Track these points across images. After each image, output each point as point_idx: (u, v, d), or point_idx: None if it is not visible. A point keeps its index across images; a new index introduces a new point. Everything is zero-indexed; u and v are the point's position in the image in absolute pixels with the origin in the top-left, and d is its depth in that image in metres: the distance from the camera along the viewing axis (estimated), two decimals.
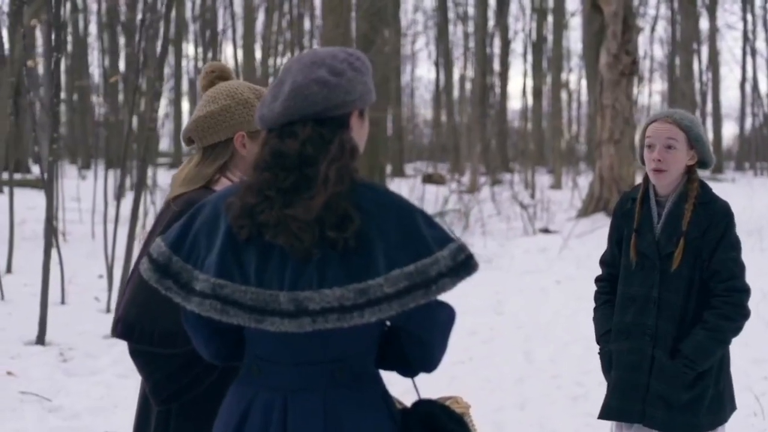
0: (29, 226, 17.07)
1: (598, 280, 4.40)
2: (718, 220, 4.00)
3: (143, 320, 2.98)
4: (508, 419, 6.90)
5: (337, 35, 15.74)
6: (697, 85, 48.01)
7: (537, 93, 44.59)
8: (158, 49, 8.44)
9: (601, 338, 4.26)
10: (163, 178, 29.17)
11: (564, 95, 44.22)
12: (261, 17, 37.46)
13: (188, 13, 43.64)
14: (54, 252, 9.59)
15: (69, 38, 37.19)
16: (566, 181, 33.87)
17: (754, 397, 6.96)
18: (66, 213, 19.26)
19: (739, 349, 5.22)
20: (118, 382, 7.45)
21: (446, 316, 2.52)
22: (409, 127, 54.42)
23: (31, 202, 19.66)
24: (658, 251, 4.04)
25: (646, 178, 4.17)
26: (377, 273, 2.35)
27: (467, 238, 17.74)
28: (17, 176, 24.71)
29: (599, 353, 4.28)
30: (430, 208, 19.60)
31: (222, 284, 2.40)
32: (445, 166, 42.40)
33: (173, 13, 39.80)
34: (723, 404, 4.06)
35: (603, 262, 4.38)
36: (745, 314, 3.97)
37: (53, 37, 8.83)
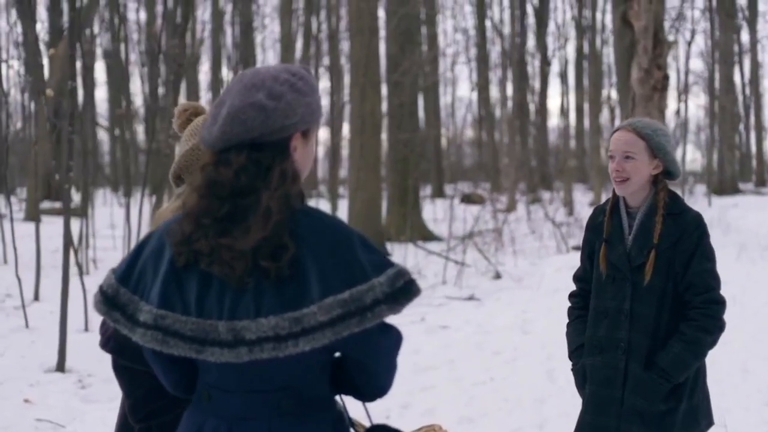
0: (62, 255, 17.16)
1: (571, 296, 4.35)
2: (690, 231, 3.93)
3: None
4: None
5: (362, 56, 15.74)
6: (740, 98, 47.57)
7: (578, 110, 44.40)
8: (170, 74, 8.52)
9: (573, 354, 4.21)
10: None
11: (606, 111, 43.92)
12: (299, 44, 37.68)
13: (228, 40, 43.94)
14: (79, 279, 9.64)
15: (100, 66, 37.56)
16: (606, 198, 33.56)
17: None
18: (100, 240, 19.43)
19: None
20: None
21: (390, 341, 2.46)
22: (451, 147, 54.35)
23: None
24: (629, 263, 3.99)
25: (614, 189, 4.13)
26: (311, 301, 2.30)
27: (499, 257, 17.65)
28: (56, 204, 25.00)
29: (572, 369, 4.22)
30: (461, 229, 19.52)
31: (163, 315, 2.38)
32: (487, 186, 42.30)
33: (198, 39, 39.91)
34: (697, 419, 3.98)
35: (576, 277, 4.33)
36: (721, 327, 3.91)
37: (75, 65, 8.89)
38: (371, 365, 2.46)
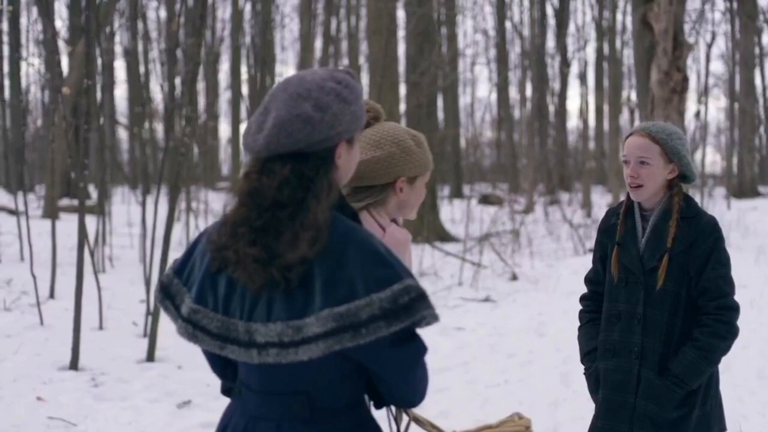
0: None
1: (582, 298, 4.32)
2: (705, 236, 3.89)
3: None
4: None
5: (380, 57, 15.72)
6: (761, 101, 47.33)
7: (597, 112, 44.26)
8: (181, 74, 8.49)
9: (585, 357, 4.17)
10: (221, 203, 29.34)
11: (625, 113, 43.78)
12: (318, 43, 37.71)
13: (247, 39, 43.98)
14: (94, 277, 9.64)
15: (119, 65, 37.66)
16: None
17: None
18: (117, 238, 19.46)
19: None
20: (148, 406, 7.44)
21: (408, 355, 2.41)
22: (470, 148, 54.28)
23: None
24: (642, 266, 3.95)
25: (628, 192, 4.09)
26: (313, 311, 2.29)
27: (516, 258, 17.60)
28: (75, 202, 25.06)
29: (584, 374, 4.19)
30: (479, 230, 19.47)
31: (196, 309, 2.46)
32: (505, 187, 42.24)
33: (215, 37, 39.99)
34: (710, 426, 3.94)
35: (587, 279, 4.30)
36: (734, 333, 3.87)
37: (89, 64, 8.89)
38: (388, 377, 2.44)
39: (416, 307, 2.30)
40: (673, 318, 3.91)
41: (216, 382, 7.22)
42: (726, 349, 3.87)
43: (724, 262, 3.89)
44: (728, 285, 3.89)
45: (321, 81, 2.46)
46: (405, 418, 2.86)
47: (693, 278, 3.89)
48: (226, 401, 3.02)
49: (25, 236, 16.47)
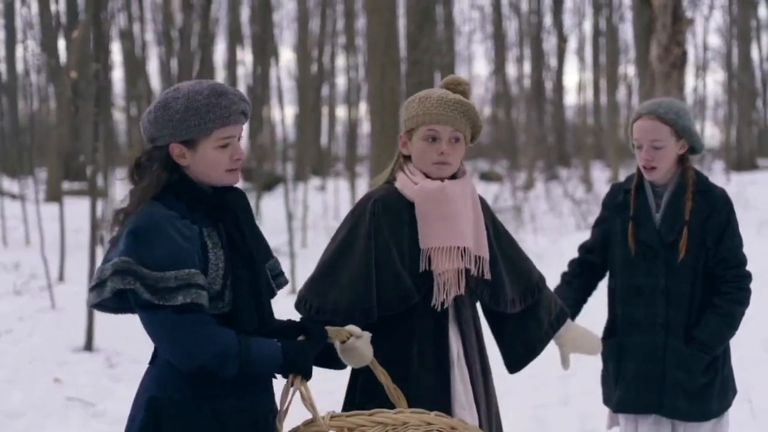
0: (86, 235, 17.28)
1: (570, 263, 4.43)
2: (719, 207, 4.02)
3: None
4: (551, 415, 6.88)
5: (381, 35, 15.72)
6: (758, 74, 47.25)
7: (595, 87, 44.22)
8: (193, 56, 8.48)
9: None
10: None
11: (623, 88, 43.73)
12: (315, 21, 37.60)
13: (244, 17, 43.84)
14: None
15: (117, 48, 37.60)
16: (625, 175, 33.49)
17: None
18: None
19: None
20: None
21: (151, 321, 2.91)
22: None
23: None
24: (660, 240, 4.03)
25: (639, 168, 4.16)
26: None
27: (520, 235, 17.65)
28: (75, 185, 25.12)
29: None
30: None
31: None
32: (504, 164, 42.19)
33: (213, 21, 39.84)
34: (727, 389, 4.13)
35: (582, 246, 4.41)
36: (749, 299, 4.05)
37: (95, 49, 8.93)
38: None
39: (115, 279, 2.82)
40: (693, 289, 4.03)
41: None
42: (743, 315, 4.05)
43: (737, 232, 4.07)
44: (742, 254, 4.07)
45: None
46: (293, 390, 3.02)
47: (710, 249, 4.00)
48: None
49: (30, 221, 16.54)
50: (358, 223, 3.54)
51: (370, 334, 3.28)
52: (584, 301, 4.44)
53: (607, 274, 4.38)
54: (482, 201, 3.75)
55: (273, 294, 3.19)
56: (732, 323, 4.01)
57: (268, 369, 2.98)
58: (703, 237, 4.00)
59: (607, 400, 4.36)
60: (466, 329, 3.60)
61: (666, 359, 4.03)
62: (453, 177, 3.60)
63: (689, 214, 4.00)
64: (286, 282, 3.29)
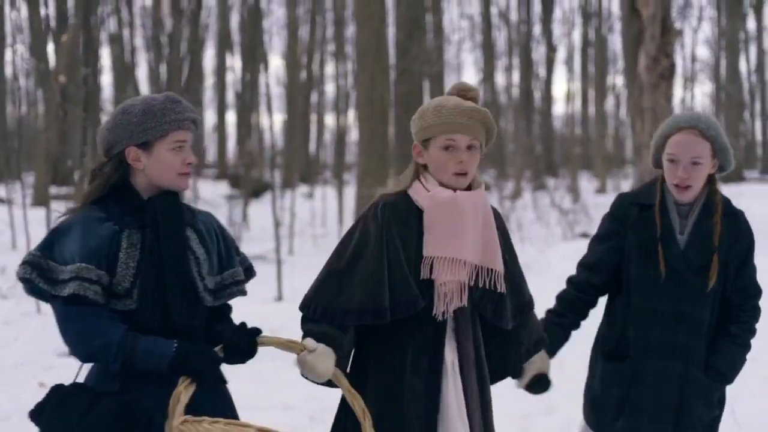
0: None
1: (572, 285, 4.14)
2: (744, 234, 3.88)
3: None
4: (535, 425, 6.88)
5: (371, 43, 15.77)
6: (746, 85, 47.40)
7: (583, 97, 44.32)
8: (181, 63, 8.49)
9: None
10: (209, 189, 29.34)
11: (611, 98, 43.86)
12: (305, 28, 37.62)
13: (234, 24, 43.83)
14: None
15: (107, 53, 37.55)
16: (612, 186, 33.73)
17: None
18: None
19: None
20: None
21: (54, 312, 3.24)
22: None
23: None
24: (687, 264, 3.81)
25: (661, 183, 3.90)
26: None
27: None
28: (63, 189, 25.05)
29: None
30: None
31: None
32: (493, 172, 42.20)
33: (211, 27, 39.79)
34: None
35: (584, 265, 4.11)
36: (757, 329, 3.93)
37: (83, 53, 8.93)
38: None
39: (19, 269, 3.16)
40: (712, 316, 3.87)
41: None
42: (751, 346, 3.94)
43: (753, 258, 3.91)
44: (758, 283, 3.93)
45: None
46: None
47: (730, 275, 3.84)
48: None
49: (17, 225, 16.50)
50: (368, 227, 3.54)
51: (330, 350, 3.36)
52: (567, 339, 4.23)
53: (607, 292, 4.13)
54: (495, 212, 3.77)
55: (199, 300, 3.31)
56: (746, 353, 3.89)
57: (156, 365, 3.11)
58: (727, 263, 3.83)
59: (596, 427, 4.14)
60: (463, 341, 3.59)
61: (686, 389, 3.85)
62: (468, 187, 3.61)
63: (718, 239, 3.81)
64: (240, 293, 3.46)
